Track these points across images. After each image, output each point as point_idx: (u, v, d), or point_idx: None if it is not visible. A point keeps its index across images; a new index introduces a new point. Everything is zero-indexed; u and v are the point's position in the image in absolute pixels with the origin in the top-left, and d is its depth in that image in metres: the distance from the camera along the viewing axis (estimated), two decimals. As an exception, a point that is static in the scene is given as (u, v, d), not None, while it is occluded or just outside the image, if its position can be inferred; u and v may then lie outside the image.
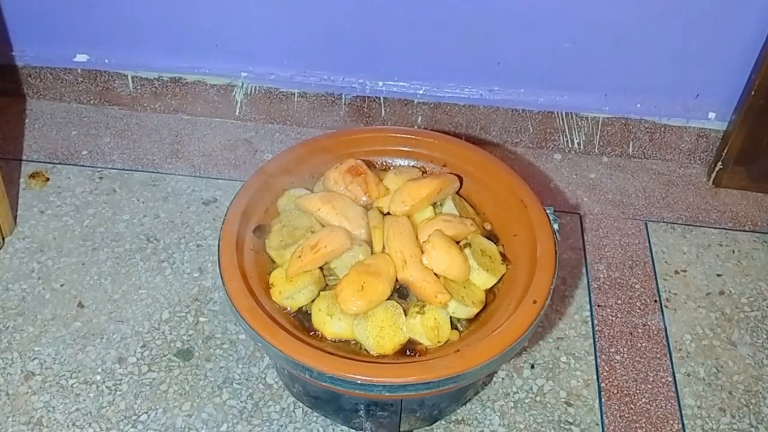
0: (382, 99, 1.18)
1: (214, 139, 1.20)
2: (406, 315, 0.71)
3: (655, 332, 0.93)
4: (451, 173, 0.85)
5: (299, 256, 0.73)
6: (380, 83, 1.17)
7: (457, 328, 0.72)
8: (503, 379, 0.86)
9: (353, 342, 0.71)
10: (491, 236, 0.80)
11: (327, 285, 0.74)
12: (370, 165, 0.85)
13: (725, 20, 1.03)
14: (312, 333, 0.71)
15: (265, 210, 0.81)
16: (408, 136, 0.87)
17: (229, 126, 1.22)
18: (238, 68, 1.18)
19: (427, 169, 0.87)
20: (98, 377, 0.84)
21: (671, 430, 0.82)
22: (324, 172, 0.83)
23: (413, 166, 0.87)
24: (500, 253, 0.78)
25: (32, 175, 1.10)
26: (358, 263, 0.72)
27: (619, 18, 1.05)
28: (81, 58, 1.19)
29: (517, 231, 0.78)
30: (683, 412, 0.84)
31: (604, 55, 1.09)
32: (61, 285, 0.94)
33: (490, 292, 0.76)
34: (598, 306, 0.96)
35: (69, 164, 1.13)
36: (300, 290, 0.72)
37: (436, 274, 0.72)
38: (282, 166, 0.83)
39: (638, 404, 0.84)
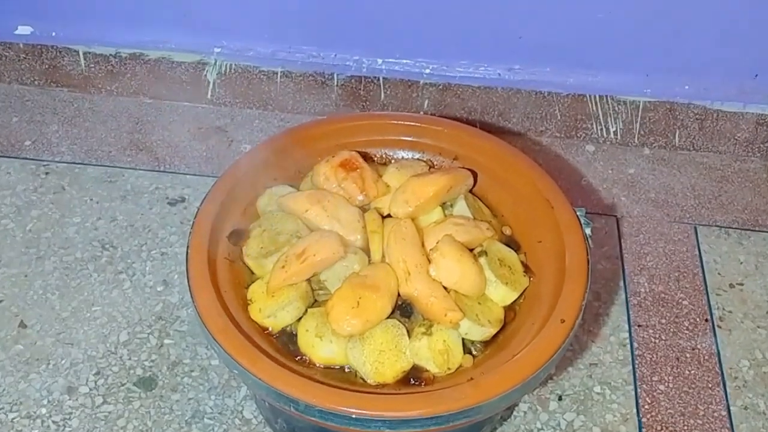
0: (381, 79, 1.18)
1: (182, 126, 1.19)
2: (409, 336, 0.71)
3: (706, 357, 0.92)
4: (463, 168, 0.84)
5: (283, 267, 0.73)
6: (379, 61, 1.17)
7: (470, 352, 0.72)
8: (525, 413, 0.86)
9: (347, 368, 0.71)
10: (511, 243, 0.80)
11: (316, 301, 0.74)
12: (367, 158, 0.84)
13: (789, -14, 1.03)
14: (298, 358, 0.71)
15: (243, 211, 0.81)
16: (412, 123, 0.87)
17: (199, 111, 1.22)
18: (211, 43, 1.18)
19: (435, 163, 0.87)
20: (43, 410, 0.84)
21: (725, 473, 0.82)
22: (312, 166, 0.83)
23: (418, 160, 0.87)
24: (522, 262, 0.78)
25: (-35, 170, 1.10)
26: (353, 275, 0.72)
27: (663, -17, 1.05)
28: (24, 30, 1.19)
29: (542, 236, 0.78)
30: (740, 452, 0.84)
31: (645, 27, 1.09)
32: (0, 301, 0.94)
33: (509, 309, 0.76)
34: (639, 326, 0.96)
35: (9, 157, 1.13)
36: (284, 307, 0.72)
37: (445, 288, 0.72)
38: (263, 160, 0.82)
39: (686, 443, 0.84)
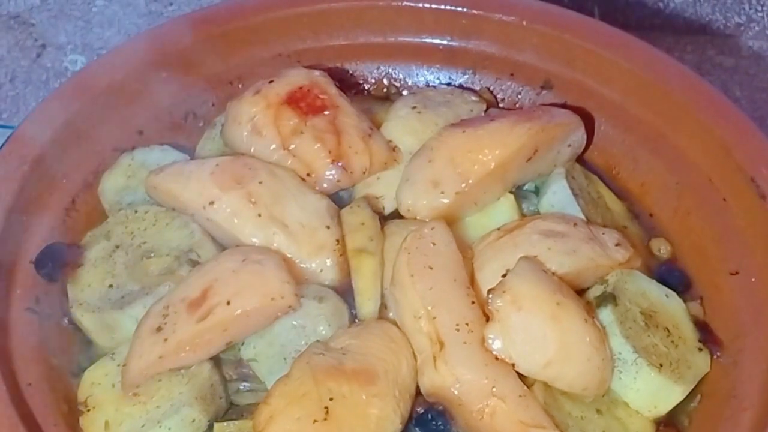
0: None
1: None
2: (446, 488, 0.71)
3: None
4: (562, 106, 0.86)
5: (159, 329, 0.73)
6: None
7: None
8: None
9: None
10: (671, 276, 0.81)
11: (232, 404, 0.76)
12: (348, 84, 0.86)
13: None
14: None
15: (68, 206, 0.82)
16: (450, 7, 0.89)
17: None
18: None
19: (501, 97, 0.89)
20: None
21: None
22: (225, 102, 0.85)
23: (462, 88, 0.89)
24: (696, 320, 0.79)
25: None
26: (316, 348, 0.72)
27: None
28: None
29: (741, 262, 0.79)
30: None
31: None
32: None
33: (668, 425, 0.76)
34: None
35: None
36: (159, 419, 0.72)
37: (522, 378, 0.72)
38: (113, 88, 0.84)
39: None
